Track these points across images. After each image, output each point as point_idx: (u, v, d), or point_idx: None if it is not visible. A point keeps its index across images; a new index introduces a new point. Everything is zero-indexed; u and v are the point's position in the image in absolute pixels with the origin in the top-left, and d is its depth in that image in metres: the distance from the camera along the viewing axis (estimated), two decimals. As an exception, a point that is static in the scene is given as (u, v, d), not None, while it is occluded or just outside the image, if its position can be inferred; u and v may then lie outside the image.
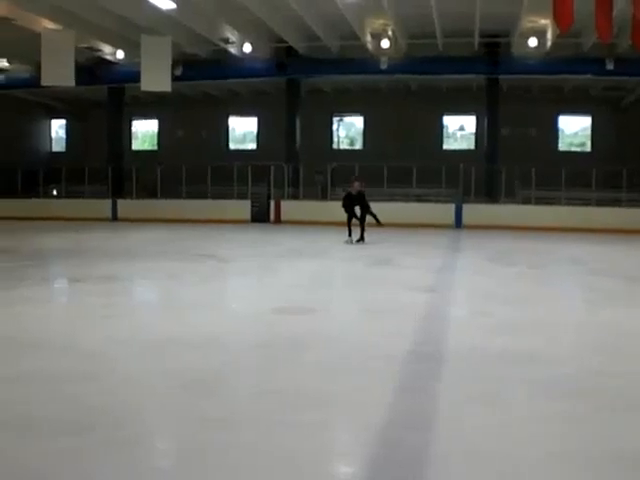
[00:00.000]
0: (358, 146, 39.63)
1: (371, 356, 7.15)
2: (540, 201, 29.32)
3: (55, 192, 36.28)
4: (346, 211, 20.34)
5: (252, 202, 30.51)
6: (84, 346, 7.51)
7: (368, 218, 20.67)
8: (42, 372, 6.47)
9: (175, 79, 27.66)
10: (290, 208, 29.84)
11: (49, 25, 24.03)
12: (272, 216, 30.04)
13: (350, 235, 20.23)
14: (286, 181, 31.27)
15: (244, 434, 5.02)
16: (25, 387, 6.07)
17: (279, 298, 11.04)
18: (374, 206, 20.89)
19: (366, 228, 20.56)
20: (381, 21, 26.10)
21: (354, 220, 20.40)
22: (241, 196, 31.26)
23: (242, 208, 30.25)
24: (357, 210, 20.35)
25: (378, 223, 21.02)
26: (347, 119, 40.18)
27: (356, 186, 20.53)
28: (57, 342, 7.73)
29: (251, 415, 5.46)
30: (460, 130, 39.22)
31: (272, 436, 4.95)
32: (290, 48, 29.47)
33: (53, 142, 43.63)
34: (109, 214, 31.52)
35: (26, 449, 4.66)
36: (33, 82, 29.92)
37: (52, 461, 4.48)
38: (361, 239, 20.19)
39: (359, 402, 5.75)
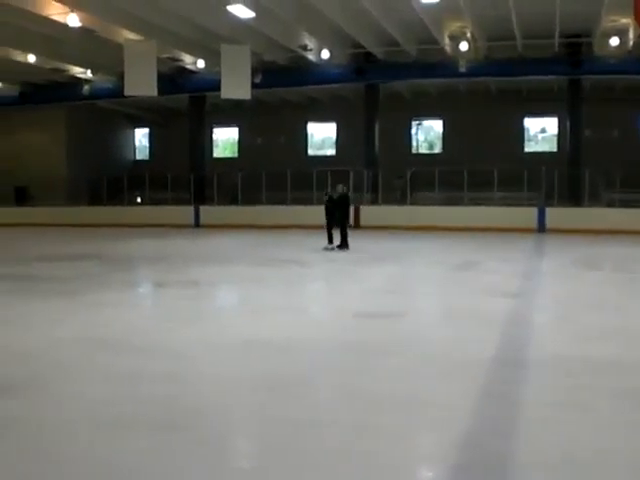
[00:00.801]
0: (437, 150, 39.40)
1: (454, 361, 7.10)
2: (625, 204, 28.68)
3: (139, 199, 37.06)
4: (326, 215, 19.96)
5: (330, 207, 30.59)
6: (170, 348, 7.66)
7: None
8: (129, 373, 6.63)
9: (254, 86, 27.93)
10: (369, 213, 29.81)
11: (131, 36, 24.58)
12: (351, 221, 30.01)
13: (331, 242, 19.80)
14: (365, 186, 31.29)
15: (327, 437, 5.05)
16: (114, 387, 6.21)
17: (361, 302, 11.05)
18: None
19: (349, 234, 20.10)
20: (459, 24, 25.96)
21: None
22: (320, 202, 31.27)
23: (321, 213, 30.28)
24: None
25: (341, 244, 19.73)
26: (426, 123, 39.97)
27: (339, 189, 20.10)
28: (144, 344, 7.91)
29: (334, 418, 5.48)
30: (542, 132, 38.65)
31: (355, 439, 4.96)
32: (368, 53, 29.52)
33: (137, 150, 44.50)
34: (192, 220, 31.99)
35: (114, 446, 4.79)
36: (117, 92, 30.68)
37: (138, 458, 4.60)
38: (342, 245, 19.67)
39: (443, 406, 5.71)
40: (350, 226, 20.46)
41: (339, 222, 19.87)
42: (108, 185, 35.35)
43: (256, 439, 5.31)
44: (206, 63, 29.52)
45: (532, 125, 38.32)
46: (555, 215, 27.79)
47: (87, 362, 7.17)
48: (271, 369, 6.85)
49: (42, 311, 10.26)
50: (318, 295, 13.03)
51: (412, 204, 31.02)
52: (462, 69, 29.26)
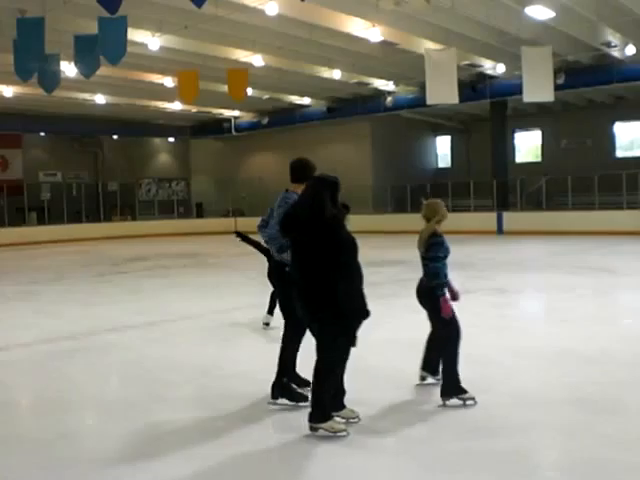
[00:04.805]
0: None
1: None
2: None
3: (441, 207, 37.42)
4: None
5: (644, 211, 29.03)
6: (478, 355, 7.66)
7: None
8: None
9: (557, 88, 27.14)
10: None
11: (431, 46, 24.85)
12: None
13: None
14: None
15: (635, 455, 4.82)
16: (419, 390, 6.33)
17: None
18: None
19: None
20: None
21: None
22: (631, 206, 29.86)
23: (633, 218, 28.82)
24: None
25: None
26: None
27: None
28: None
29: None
30: None
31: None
32: (679, 45, 27.57)
33: (438, 158, 44.95)
34: (494, 227, 31.73)
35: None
36: (418, 102, 31.29)
37: (445, 464, 4.64)
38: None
39: None
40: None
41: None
42: (411, 193, 36.07)
43: (558, 451, 5.19)
44: (506, 67, 29.15)
45: None
46: None
47: (398, 363, 7.37)
48: (580, 381, 6.67)
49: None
50: (631, 306, 12.36)
51: None
52: None
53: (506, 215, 32.07)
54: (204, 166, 46.52)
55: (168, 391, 6.99)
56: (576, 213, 30.48)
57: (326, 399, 5.53)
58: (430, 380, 6.60)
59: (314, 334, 5.64)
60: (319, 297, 5.45)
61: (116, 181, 41.95)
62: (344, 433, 5.46)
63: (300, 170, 6.46)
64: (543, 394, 6.34)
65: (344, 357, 5.58)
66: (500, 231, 31.50)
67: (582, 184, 31.34)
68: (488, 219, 32.06)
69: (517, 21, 22.82)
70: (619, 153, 38.42)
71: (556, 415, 5.79)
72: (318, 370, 5.56)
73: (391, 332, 9.23)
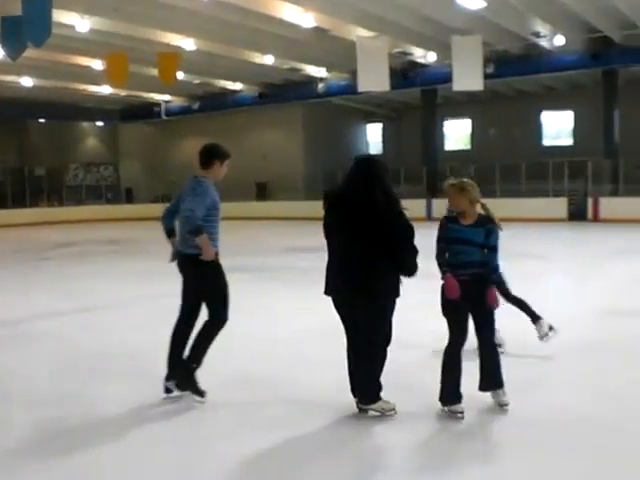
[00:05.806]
0: (683, 137, 36.85)
1: None
2: None
3: (372, 193, 37.63)
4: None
5: (569, 200, 29.61)
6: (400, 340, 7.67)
7: None
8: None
9: (486, 77, 27.43)
10: (610, 205, 28.49)
11: (363, 33, 24.92)
12: (590, 214, 28.90)
13: None
14: (605, 177, 29.96)
15: (565, 435, 5.01)
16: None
17: (607, 299, 10.65)
18: None
19: None
20: None
21: None
22: (557, 194, 30.46)
23: (558, 206, 29.44)
24: None
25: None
26: (671, 108, 37.52)
27: None
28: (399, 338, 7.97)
29: (578, 418, 5.37)
30: None
31: (596, 440, 4.89)
32: (605, 37, 28.05)
33: (370, 145, 45.13)
34: (424, 213, 32.06)
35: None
36: (350, 89, 31.42)
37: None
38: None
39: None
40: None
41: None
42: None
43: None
44: (437, 56, 29.45)
45: None
46: None
47: (324, 351, 7.37)
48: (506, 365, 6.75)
49: (286, 300, 10.74)
50: (559, 291, 12.63)
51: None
52: None
53: (435, 202, 32.36)
54: (134, 151, 45.96)
55: (104, 380, 6.88)
56: (504, 200, 30.89)
57: (375, 380, 5.54)
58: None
59: (352, 316, 5.61)
60: (372, 274, 5.47)
61: (43, 166, 41.20)
62: (393, 412, 5.53)
63: (208, 155, 6.22)
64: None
65: (389, 335, 5.60)
66: (430, 217, 31.75)
67: (510, 172, 31.83)
68: (418, 205, 32.30)
69: (448, 10, 23.04)
70: (546, 142, 39.17)
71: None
72: (366, 351, 5.56)
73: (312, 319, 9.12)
